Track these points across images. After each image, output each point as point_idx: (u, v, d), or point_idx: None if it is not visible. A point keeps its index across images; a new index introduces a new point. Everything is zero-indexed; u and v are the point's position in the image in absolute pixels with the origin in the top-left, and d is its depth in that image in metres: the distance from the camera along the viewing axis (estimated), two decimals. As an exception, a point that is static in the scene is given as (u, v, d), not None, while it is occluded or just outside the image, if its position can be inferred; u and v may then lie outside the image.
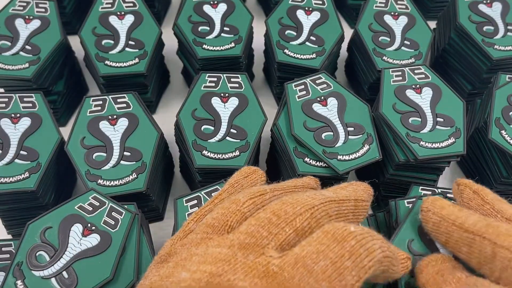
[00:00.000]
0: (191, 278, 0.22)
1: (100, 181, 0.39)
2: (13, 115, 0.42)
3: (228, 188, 0.31)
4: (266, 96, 0.57)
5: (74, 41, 0.53)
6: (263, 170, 0.50)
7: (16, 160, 0.40)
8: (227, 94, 0.44)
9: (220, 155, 0.40)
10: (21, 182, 0.39)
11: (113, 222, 0.35)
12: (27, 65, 0.46)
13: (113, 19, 0.51)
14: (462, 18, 0.51)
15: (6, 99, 0.43)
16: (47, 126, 0.42)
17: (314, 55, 0.49)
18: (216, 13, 0.52)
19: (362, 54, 0.52)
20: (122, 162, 0.40)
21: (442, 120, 0.42)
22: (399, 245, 0.35)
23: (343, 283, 0.22)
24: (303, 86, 0.44)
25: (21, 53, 0.47)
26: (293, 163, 0.40)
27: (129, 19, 0.51)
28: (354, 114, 0.43)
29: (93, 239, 0.34)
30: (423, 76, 0.45)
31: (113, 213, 0.36)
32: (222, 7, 0.52)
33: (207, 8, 0.52)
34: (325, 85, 0.45)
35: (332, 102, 0.44)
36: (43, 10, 0.50)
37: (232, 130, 0.42)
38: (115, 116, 0.43)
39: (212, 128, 0.42)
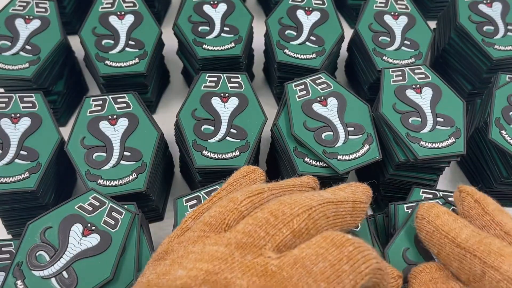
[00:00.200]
0: (187, 276, 0.22)
1: (100, 181, 0.39)
2: (13, 115, 0.42)
3: (227, 186, 0.31)
4: (266, 96, 0.57)
5: (74, 41, 0.53)
6: (263, 170, 0.50)
7: (16, 160, 0.40)
8: (227, 94, 0.44)
9: (220, 155, 0.40)
10: (21, 182, 0.39)
11: (113, 222, 0.35)
12: (27, 65, 0.46)
13: (113, 19, 0.51)
14: (462, 18, 0.51)
15: (6, 99, 0.43)
16: (47, 126, 0.42)
17: (314, 55, 0.49)
18: (216, 13, 0.52)
19: (362, 54, 0.52)
20: (122, 162, 0.40)
21: (442, 120, 0.42)
22: (395, 254, 0.34)
23: (341, 285, 0.22)
24: (303, 86, 0.44)
25: (21, 53, 0.47)
26: (293, 163, 0.40)
27: (129, 19, 0.51)
28: (354, 114, 0.43)
29: (93, 239, 0.34)
30: (423, 76, 0.45)
31: (113, 213, 0.36)
32: (222, 7, 0.52)
33: (207, 8, 0.52)
34: (325, 85, 0.45)
35: (332, 102, 0.44)
36: (43, 10, 0.50)
37: (232, 130, 0.42)
38: (115, 116, 0.43)
39: (212, 128, 0.42)
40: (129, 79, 0.48)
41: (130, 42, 0.49)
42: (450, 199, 0.39)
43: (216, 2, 0.52)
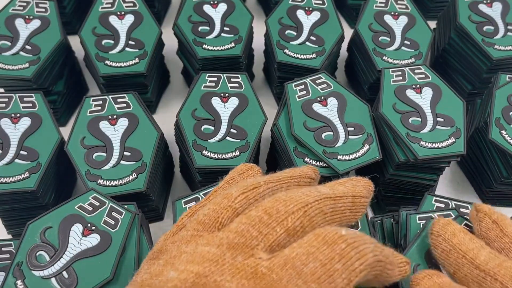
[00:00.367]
0: (178, 278, 0.21)
1: (100, 181, 0.39)
2: (13, 115, 0.42)
3: (224, 184, 0.30)
4: (266, 96, 0.57)
5: (74, 41, 0.53)
6: (263, 170, 0.50)
7: (16, 160, 0.40)
8: (227, 94, 0.44)
9: (220, 155, 0.40)
10: (21, 182, 0.39)
11: (113, 222, 0.35)
12: (27, 65, 0.46)
13: (113, 19, 0.51)
14: (462, 18, 0.51)
15: (6, 99, 0.43)
16: (47, 126, 0.42)
17: (314, 55, 0.49)
18: (216, 13, 0.52)
19: (362, 54, 0.52)
20: (122, 162, 0.40)
21: (442, 120, 0.42)
22: None
23: (333, 285, 0.22)
24: (303, 86, 0.44)
25: (21, 53, 0.47)
26: (293, 163, 0.40)
27: (129, 19, 0.51)
28: (354, 114, 0.43)
29: (93, 239, 0.34)
30: (423, 76, 0.45)
31: (113, 213, 0.36)
32: (222, 7, 0.52)
33: (207, 8, 0.52)
34: (325, 85, 0.45)
35: (332, 102, 0.44)
36: (43, 10, 0.50)
37: (232, 130, 0.42)
38: (115, 116, 0.43)
39: (212, 128, 0.42)
40: (129, 79, 0.48)
41: (130, 42, 0.49)
42: (462, 210, 0.39)
43: (216, 2, 0.52)
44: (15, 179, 0.39)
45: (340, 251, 0.22)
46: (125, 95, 0.44)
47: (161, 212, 0.46)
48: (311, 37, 0.50)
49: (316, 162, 0.40)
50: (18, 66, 0.46)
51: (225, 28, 0.50)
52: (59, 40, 0.48)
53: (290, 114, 0.42)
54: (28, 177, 0.39)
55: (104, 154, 0.40)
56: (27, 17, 0.50)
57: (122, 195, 0.39)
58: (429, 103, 0.43)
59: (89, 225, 0.35)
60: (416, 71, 0.46)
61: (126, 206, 0.37)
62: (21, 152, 0.40)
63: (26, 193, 0.39)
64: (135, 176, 0.40)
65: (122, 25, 0.50)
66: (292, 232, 0.24)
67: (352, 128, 0.42)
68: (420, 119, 0.42)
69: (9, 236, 0.44)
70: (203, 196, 0.38)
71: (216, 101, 0.44)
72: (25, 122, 0.42)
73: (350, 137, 0.42)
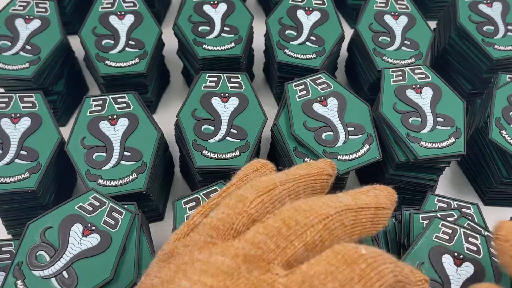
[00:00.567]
0: None
1: (100, 181, 0.39)
2: (13, 115, 0.42)
3: (237, 182, 0.29)
4: (266, 96, 0.57)
5: (74, 41, 0.53)
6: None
7: (16, 160, 0.40)
8: (227, 94, 0.44)
9: (220, 155, 0.40)
10: (21, 182, 0.39)
11: (113, 222, 0.35)
12: (27, 65, 0.46)
13: (113, 19, 0.51)
14: (462, 18, 0.51)
15: (6, 99, 0.43)
16: (47, 126, 0.42)
17: (314, 55, 0.49)
18: (216, 13, 0.52)
19: (362, 54, 0.52)
20: (122, 162, 0.40)
21: (442, 120, 0.42)
22: None
23: None
24: (303, 86, 0.44)
25: (21, 53, 0.47)
26: (293, 163, 0.40)
27: (129, 19, 0.51)
28: (354, 114, 0.43)
29: (93, 239, 0.34)
30: (423, 76, 0.45)
31: (113, 213, 0.36)
32: (222, 7, 0.52)
33: (207, 8, 0.52)
34: (325, 85, 0.45)
35: (332, 102, 0.44)
36: (43, 10, 0.50)
37: (232, 130, 0.42)
38: (115, 116, 0.43)
39: (212, 128, 0.42)
40: (129, 79, 0.48)
41: (130, 42, 0.49)
42: (464, 210, 0.39)
43: (216, 2, 0.52)
44: (15, 179, 0.39)
45: (360, 272, 0.21)
46: (125, 95, 0.44)
47: (161, 212, 0.46)
48: (311, 37, 0.50)
49: (316, 162, 0.40)
50: (18, 66, 0.46)
51: (225, 28, 0.50)
52: (59, 40, 0.48)
53: (290, 114, 0.42)
54: (28, 177, 0.39)
55: (104, 154, 0.40)
56: (27, 17, 0.50)
57: (122, 195, 0.39)
58: (429, 103, 0.43)
59: (89, 225, 0.35)
60: (416, 71, 0.46)
61: (126, 206, 0.37)
62: (21, 152, 0.40)
63: (26, 193, 0.39)
64: (135, 176, 0.40)
65: (122, 25, 0.50)
66: (310, 246, 0.23)
67: (352, 128, 0.42)
68: (420, 119, 0.42)
69: (9, 236, 0.44)
70: (203, 196, 0.38)
71: (216, 101, 0.44)
72: (25, 122, 0.42)
73: (350, 137, 0.42)
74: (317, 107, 0.43)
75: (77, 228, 0.35)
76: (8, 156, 0.40)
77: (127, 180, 0.39)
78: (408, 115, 0.42)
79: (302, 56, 0.49)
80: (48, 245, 0.34)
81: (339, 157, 0.40)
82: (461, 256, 0.34)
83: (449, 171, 0.51)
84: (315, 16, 0.52)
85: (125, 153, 0.41)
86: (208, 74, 0.45)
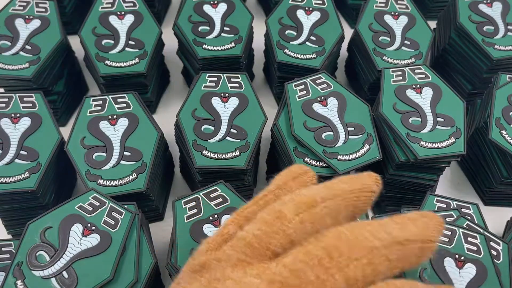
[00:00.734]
0: None
1: (100, 181, 0.39)
2: (13, 115, 0.42)
3: (275, 189, 0.27)
4: (266, 96, 0.57)
5: (74, 41, 0.53)
6: (263, 170, 0.50)
7: (16, 160, 0.40)
8: (227, 94, 0.44)
9: (220, 155, 0.40)
10: (21, 182, 0.39)
11: (113, 222, 0.35)
12: (27, 65, 0.46)
13: (113, 19, 0.51)
14: (462, 18, 0.51)
15: (6, 99, 0.43)
16: (47, 126, 0.42)
17: (314, 55, 0.49)
18: (216, 13, 0.52)
19: (362, 54, 0.52)
20: (122, 162, 0.40)
21: (442, 120, 0.42)
22: (411, 273, 0.33)
23: None
24: (303, 86, 0.44)
25: (21, 53, 0.47)
26: (293, 163, 0.40)
27: (129, 19, 0.51)
28: (354, 114, 0.43)
29: (93, 239, 0.34)
30: (423, 76, 0.45)
31: (113, 213, 0.36)
32: (222, 7, 0.52)
33: (207, 8, 0.52)
34: (325, 85, 0.45)
35: (332, 102, 0.44)
36: (43, 10, 0.50)
37: (232, 130, 0.42)
38: (115, 116, 0.43)
39: (212, 128, 0.42)
40: (129, 79, 0.48)
41: (130, 42, 0.49)
42: (463, 210, 0.39)
43: (216, 2, 0.52)
44: (15, 179, 0.39)
45: None
46: (125, 95, 0.44)
47: (161, 212, 0.46)
48: (311, 37, 0.50)
49: (316, 162, 0.40)
50: (18, 66, 0.46)
51: (225, 28, 0.50)
52: (59, 40, 0.48)
53: (290, 114, 0.42)
54: (28, 177, 0.39)
55: (104, 154, 0.40)
56: (27, 17, 0.50)
57: (122, 195, 0.39)
58: (429, 103, 0.43)
59: (89, 225, 0.35)
60: (416, 71, 0.46)
61: (126, 206, 0.37)
62: (21, 152, 0.40)
63: (26, 193, 0.39)
64: (135, 176, 0.40)
65: (122, 25, 0.50)
66: (352, 281, 0.21)
67: (352, 128, 0.42)
68: (420, 119, 0.42)
69: (9, 236, 0.44)
70: (203, 196, 0.37)
71: (216, 101, 0.44)
72: (25, 122, 0.42)
73: (350, 137, 0.42)
74: (317, 107, 0.43)
75: (77, 228, 0.35)
76: (8, 156, 0.40)
77: (127, 180, 0.39)
78: (408, 115, 0.42)
79: (302, 56, 0.49)
80: (48, 245, 0.34)
81: (339, 157, 0.40)
82: (462, 258, 0.34)
83: (449, 171, 0.51)
84: (315, 16, 0.52)
85: (125, 153, 0.41)
86: (208, 74, 0.45)
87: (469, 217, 0.37)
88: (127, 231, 0.35)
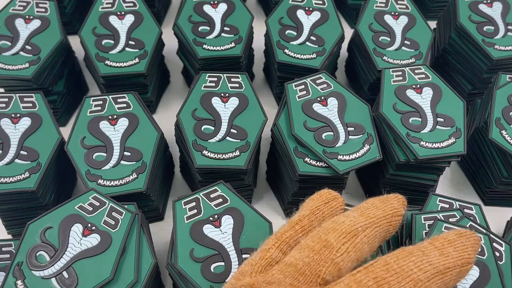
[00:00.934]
0: None
1: (100, 181, 0.39)
2: (13, 115, 0.42)
3: (309, 214, 0.29)
4: (266, 96, 0.57)
5: (74, 41, 0.53)
6: (263, 170, 0.50)
7: (16, 160, 0.40)
8: (227, 94, 0.44)
9: (220, 155, 0.40)
10: (21, 182, 0.39)
11: (113, 222, 0.35)
12: (27, 65, 0.46)
13: (113, 19, 0.51)
14: (462, 18, 0.51)
15: (6, 99, 0.43)
16: (47, 126, 0.42)
17: (314, 55, 0.49)
18: (216, 13, 0.52)
19: (362, 54, 0.52)
20: (122, 162, 0.40)
21: (442, 120, 0.42)
22: None
23: None
24: (303, 86, 0.44)
25: (21, 53, 0.47)
26: (294, 163, 0.40)
27: (129, 19, 0.51)
28: (355, 114, 0.43)
29: (93, 239, 0.34)
30: (424, 76, 0.45)
31: (113, 213, 0.36)
32: (222, 7, 0.52)
33: (207, 8, 0.52)
34: (325, 85, 0.45)
35: (333, 102, 0.44)
36: (43, 10, 0.50)
37: (232, 130, 0.42)
38: (115, 116, 0.43)
39: (212, 128, 0.42)
40: (129, 79, 0.48)
41: (130, 42, 0.49)
42: (466, 211, 0.39)
43: (216, 2, 0.52)
44: (15, 179, 0.39)
45: None
46: (125, 95, 0.44)
47: (161, 212, 0.46)
48: (311, 37, 0.50)
49: (316, 162, 0.40)
50: (18, 66, 0.46)
51: (225, 28, 0.50)
52: (59, 40, 0.48)
53: (290, 114, 0.42)
54: (28, 177, 0.39)
55: (104, 154, 0.40)
56: (27, 17, 0.50)
57: (122, 195, 0.39)
58: (429, 103, 0.43)
59: (89, 225, 0.35)
60: (416, 71, 0.46)
61: (126, 206, 0.37)
62: (21, 152, 0.40)
63: (26, 193, 0.39)
64: (135, 176, 0.40)
65: (122, 25, 0.50)
66: None
67: (352, 128, 0.42)
68: (420, 119, 0.42)
69: (9, 236, 0.44)
70: (203, 196, 0.37)
71: (216, 101, 0.44)
72: (25, 122, 0.42)
73: (350, 137, 0.42)
74: (317, 107, 0.43)
75: (77, 228, 0.35)
76: (8, 156, 0.40)
77: (127, 180, 0.39)
78: (408, 115, 0.42)
79: (302, 56, 0.49)
80: (48, 245, 0.34)
81: (339, 157, 0.40)
82: None
83: (449, 171, 0.51)
84: (315, 16, 0.52)
85: (125, 153, 0.41)
86: (208, 74, 0.45)
87: (471, 218, 0.37)
88: (127, 231, 0.35)
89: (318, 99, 0.44)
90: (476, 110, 0.49)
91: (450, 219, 0.37)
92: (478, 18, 0.51)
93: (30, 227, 0.34)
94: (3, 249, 0.36)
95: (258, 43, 0.56)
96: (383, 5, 0.53)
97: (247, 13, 0.52)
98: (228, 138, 0.41)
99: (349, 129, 0.42)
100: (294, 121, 0.42)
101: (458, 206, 0.39)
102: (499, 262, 0.34)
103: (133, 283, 0.33)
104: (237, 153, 0.41)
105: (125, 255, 0.34)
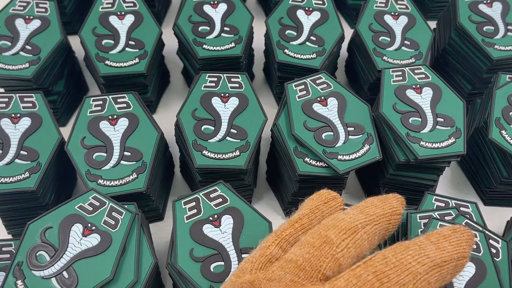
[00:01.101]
0: None
1: (100, 181, 0.39)
2: (13, 115, 0.42)
3: (309, 213, 0.30)
4: (266, 96, 0.57)
5: (74, 41, 0.53)
6: (263, 170, 0.50)
7: (16, 160, 0.40)
8: (227, 94, 0.44)
9: (220, 155, 0.40)
10: (21, 182, 0.39)
11: (113, 222, 0.35)
12: (27, 65, 0.46)
13: (113, 19, 0.51)
14: (462, 18, 0.51)
15: (6, 99, 0.43)
16: (47, 126, 0.42)
17: (314, 55, 0.49)
18: (216, 13, 0.52)
19: (362, 54, 0.52)
20: (122, 162, 0.40)
21: (442, 120, 0.42)
22: None
23: None
24: (303, 86, 0.44)
25: (21, 53, 0.47)
26: (293, 163, 0.40)
27: (129, 19, 0.51)
28: (354, 114, 0.43)
29: (93, 239, 0.34)
30: (423, 76, 0.45)
31: (113, 213, 0.36)
32: (222, 7, 0.52)
33: (207, 8, 0.52)
34: (325, 85, 0.45)
35: (332, 102, 0.44)
36: (43, 10, 0.50)
37: (232, 130, 0.42)
38: (115, 116, 0.43)
39: (212, 128, 0.42)
40: (129, 79, 0.48)
41: (130, 42, 0.49)
42: (462, 209, 0.39)
43: (216, 2, 0.52)
44: (15, 179, 0.39)
45: None
46: (125, 95, 0.44)
47: (161, 212, 0.46)
48: (311, 37, 0.50)
49: (316, 162, 0.40)
50: (18, 66, 0.46)
51: (225, 28, 0.50)
52: (59, 40, 0.48)
53: (290, 114, 0.42)
54: (28, 177, 0.39)
55: (104, 154, 0.40)
56: (27, 17, 0.50)
57: (122, 195, 0.39)
58: (429, 103, 0.43)
59: (89, 225, 0.35)
60: (416, 71, 0.46)
61: (126, 206, 0.37)
62: (21, 152, 0.40)
63: (26, 193, 0.39)
64: (135, 176, 0.40)
65: (122, 25, 0.50)
66: None
67: (352, 128, 0.42)
68: (420, 119, 0.42)
69: (9, 236, 0.44)
70: (203, 196, 0.37)
71: (216, 101, 0.44)
72: (25, 122, 0.42)
73: (350, 137, 0.42)
74: (317, 107, 0.43)
75: (77, 228, 0.35)
76: (8, 156, 0.40)
77: (127, 180, 0.39)
78: (408, 115, 0.42)
79: (302, 56, 0.49)
80: (48, 245, 0.34)
81: (339, 157, 0.40)
82: None
83: (449, 171, 0.51)
84: (315, 16, 0.52)
85: (125, 153, 0.41)
86: (208, 74, 0.45)
87: (468, 216, 0.37)
88: (127, 231, 0.35)
89: (318, 99, 0.44)
90: (476, 110, 0.49)
91: (446, 218, 0.37)
92: (478, 18, 0.51)
93: (30, 227, 0.34)
94: (3, 249, 0.36)
95: (258, 43, 0.56)
96: (383, 5, 0.53)
97: (247, 13, 0.52)
98: (228, 138, 0.41)
99: (349, 129, 0.42)
100: (294, 121, 0.42)
101: (454, 205, 0.39)
102: (495, 258, 0.34)
103: (133, 283, 0.33)
104: (237, 153, 0.41)
105: (125, 255, 0.34)
